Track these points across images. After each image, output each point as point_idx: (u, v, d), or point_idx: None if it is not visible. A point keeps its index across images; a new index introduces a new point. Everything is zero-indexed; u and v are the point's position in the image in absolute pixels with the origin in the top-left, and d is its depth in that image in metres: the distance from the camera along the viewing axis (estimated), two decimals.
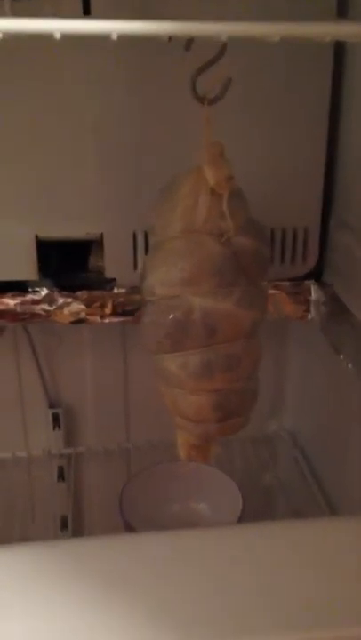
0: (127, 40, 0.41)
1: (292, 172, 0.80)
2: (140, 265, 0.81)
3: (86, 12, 0.69)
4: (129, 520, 0.82)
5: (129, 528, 0.82)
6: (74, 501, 1.01)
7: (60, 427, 1.03)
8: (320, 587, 0.44)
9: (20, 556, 0.46)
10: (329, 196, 0.82)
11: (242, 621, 0.42)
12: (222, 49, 0.56)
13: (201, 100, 0.59)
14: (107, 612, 0.42)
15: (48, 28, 0.42)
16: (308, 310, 0.85)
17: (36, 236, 0.79)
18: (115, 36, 0.39)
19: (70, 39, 0.45)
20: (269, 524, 0.51)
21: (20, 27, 0.42)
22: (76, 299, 0.82)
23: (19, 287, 0.82)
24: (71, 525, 1.04)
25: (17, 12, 0.51)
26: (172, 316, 0.63)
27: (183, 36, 0.45)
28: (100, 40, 0.43)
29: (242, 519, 0.81)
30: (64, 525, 1.06)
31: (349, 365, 0.74)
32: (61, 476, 1.05)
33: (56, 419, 1.03)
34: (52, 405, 1.03)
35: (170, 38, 0.45)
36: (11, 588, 0.43)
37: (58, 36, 0.40)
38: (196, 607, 0.43)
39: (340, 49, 0.76)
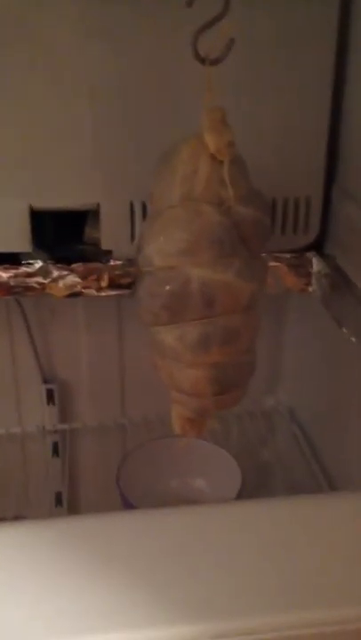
0: None
1: (294, 140, 0.77)
2: (137, 236, 0.78)
3: None
4: (126, 496, 0.81)
5: (126, 504, 0.81)
6: (69, 477, 1.00)
7: (54, 402, 1.02)
8: (318, 564, 0.43)
9: (14, 536, 0.45)
10: (332, 166, 0.79)
11: (241, 600, 0.41)
12: (226, 5, 0.53)
13: (202, 60, 0.56)
14: (106, 593, 0.41)
15: None
16: (309, 283, 0.83)
17: (30, 207, 0.76)
18: None
19: None
20: (269, 501, 0.50)
21: None
22: (71, 271, 0.80)
23: (11, 259, 0.79)
24: (66, 502, 1.03)
25: None
26: (168, 287, 0.60)
27: None
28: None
29: (240, 495, 0.80)
30: (59, 502, 1.05)
31: (352, 339, 0.72)
32: (56, 452, 1.04)
33: (50, 394, 1.02)
34: (46, 381, 1.01)
35: None
36: (5, 569, 0.42)
37: None
38: (196, 586, 0.42)
39: (345, 10, 0.73)
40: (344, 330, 0.74)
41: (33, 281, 0.80)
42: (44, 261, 0.80)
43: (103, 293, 0.82)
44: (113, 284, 0.81)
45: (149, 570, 0.43)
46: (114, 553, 0.44)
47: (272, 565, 0.43)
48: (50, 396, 1.01)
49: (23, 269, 0.80)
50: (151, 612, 0.40)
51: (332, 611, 0.41)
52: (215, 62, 0.57)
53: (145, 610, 0.40)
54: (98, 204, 0.78)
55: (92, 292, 0.81)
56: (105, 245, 0.80)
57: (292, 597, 0.41)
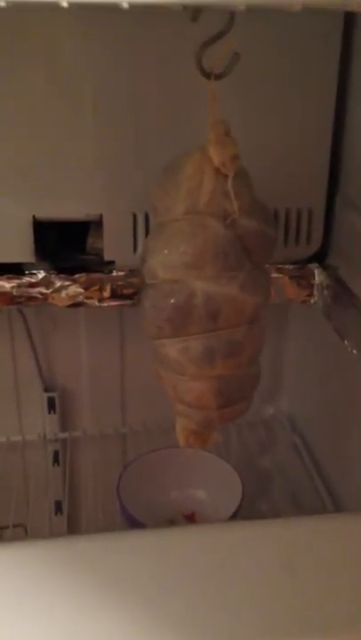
0: (138, 9, 0.38)
1: (297, 152, 0.77)
2: (139, 247, 0.78)
3: None
4: (126, 507, 0.81)
5: (126, 515, 0.81)
6: (69, 486, 1.00)
7: (55, 411, 1.02)
8: (324, 587, 0.43)
9: (17, 556, 0.45)
10: (335, 177, 0.80)
11: (245, 623, 0.41)
12: (230, 21, 0.53)
13: (207, 75, 0.56)
14: (105, 616, 0.41)
15: None
16: (311, 294, 0.83)
17: (34, 217, 0.76)
18: (125, 5, 0.36)
19: (72, 9, 0.42)
20: (274, 522, 0.50)
21: None
22: (73, 281, 0.80)
23: (14, 269, 0.80)
24: (66, 510, 1.03)
25: None
26: (173, 300, 0.61)
27: (201, 5, 0.42)
28: (108, 9, 0.40)
29: (241, 507, 0.80)
30: (59, 510, 1.05)
31: (354, 351, 0.72)
32: (56, 461, 1.04)
33: (51, 403, 1.02)
34: (47, 389, 1.01)
35: (184, 7, 0.42)
36: (8, 590, 0.42)
37: (65, 4, 0.37)
38: (198, 608, 0.42)
39: (349, 22, 0.73)
40: (346, 342, 0.74)
41: (35, 291, 0.80)
42: (46, 271, 0.80)
43: (105, 304, 0.82)
44: (115, 295, 0.81)
45: (153, 591, 0.42)
46: (117, 574, 0.44)
47: (277, 588, 0.43)
48: (51, 405, 1.01)
49: (26, 279, 0.80)
50: (154, 633, 0.40)
51: (339, 636, 0.41)
52: (220, 77, 0.57)
53: (147, 631, 0.40)
54: (101, 215, 0.78)
55: (95, 302, 0.81)
56: (107, 256, 0.80)
57: (298, 621, 0.41)
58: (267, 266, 0.67)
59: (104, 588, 0.42)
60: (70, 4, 0.37)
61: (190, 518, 0.88)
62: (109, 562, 0.45)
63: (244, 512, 0.82)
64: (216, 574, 0.44)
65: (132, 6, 0.37)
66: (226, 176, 0.59)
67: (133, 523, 0.80)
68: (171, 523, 0.87)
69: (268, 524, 0.49)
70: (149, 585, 0.43)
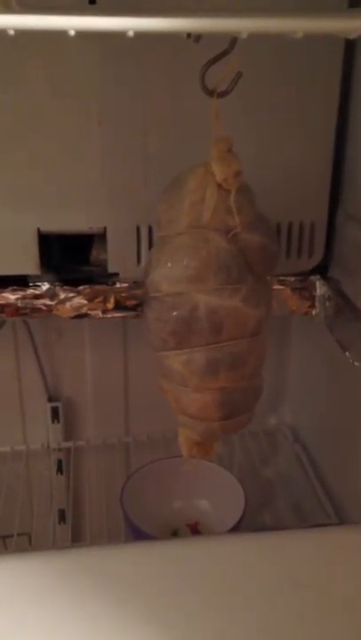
0: (143, 36, 0.40)
1: (299, 165, 0.78)
2: (143, 259, 0.79)
3: (92, 2, 0.67)
4: (130, 517, 0.81)
5: (130, 524, 0.82)
6: (73, 495, 1.00)
7: (59, 420, 1.03)
8: (330, 601, 0.43)
9: (21, 568, 0.45)
10: (337, 190, 0.81)
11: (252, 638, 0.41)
12: (233, 42, 0.54)
13: (210, 93, 0.57)
14: (108, 629, 0.41)
15: (62, 25, 0.40)
16: (313, 306, 0.84)
17: (38, 230, 0.77)
18: (131, 34, 0.37)
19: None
20: (276, 535, 0.50)
21: (32, 23, 0.40)
22: (78, 293, 0.81)
23: (19, 281, 0.80)
24: (70, 519, 1.03)
25: (23, 2, 0.50)
26: (176, 312, 0.61)
27: (204, 33, 0.43)
28: (114, 36, 0.41)
29: (244, 518, 0.80)
30: (62, 519, 1.06)
31: (356, 363, 0.73)
32: (60, 470, 1.05)
33: (55, 412, 1.02)
34: (51, 399, 1.02)
35: (189, 35, 0.43)
36: (9, 601, 0.42)
37: (72, 33, 0.38)
38: (197, 623, 0.42)
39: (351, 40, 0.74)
40: (347, 354, 0.75)
41: (40, 302, 0.81)
42: (51, 283, 0.81)
43: (109, 315, 0.82)
44: (119, 306, 0.82)
45: (156, 605, 0.43)
46: (121, 587, 0.44)
47: (282, 602, 0.43)
48: (55, 415, 1.02)
49: (30, 291, 0.81)
50: None
51: None
52: (223, 95, 0.58)
53: None
54: (105, 228, 0.79)
55: (98, 313, 0.82)
56: (112, 268, 0.81)
57: (302, 637, 0.42)
58: (269, 278, 0.68)
59: (107, 600, 0.43)
60: (77, 33, 0.37)
61: (194, 528, 0.88)
62: (113, 574, 0.45)
63: (247, 522, 0.82)
64: (220, 588, 0.44)
65: (137, 34, 0.38)
66: (228, 191, 0.60)
67: (137, 532, 0.80)
68: (174, 532, 0.87)
69: (272, 536, 0.49)
70: (153, 599, 0.43)
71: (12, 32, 0.40)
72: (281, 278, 0.83)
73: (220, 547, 0.48)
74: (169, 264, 0.61)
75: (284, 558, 0.46)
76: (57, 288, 0.81)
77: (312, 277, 0.84)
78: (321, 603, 0.43)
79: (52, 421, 1.02)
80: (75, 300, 0.81)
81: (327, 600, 0.43)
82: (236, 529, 0.80)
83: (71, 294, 0.81)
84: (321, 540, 0.48)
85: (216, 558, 0.46)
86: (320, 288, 0.83)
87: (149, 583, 0.44)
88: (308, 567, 0.45)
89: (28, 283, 0.81)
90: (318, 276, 0.83)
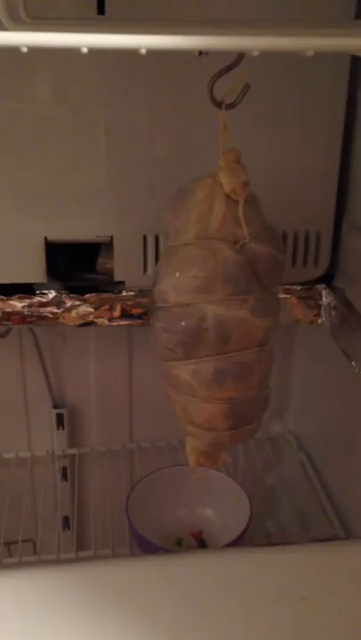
0: (155, 53, 0.40)
1: (305, 175, 0.79)
2: (149, 268, 0.80)
3: (100, 12, 0.67)
4: (135, 524, 0.81)
5: (135, 533, 0.82)
6: (77, 502, 1.00)
7: (63, 427, 1.03)
8: (336, 616, 0.43)
9: (27, 581, 0.45)
10: (342, 200, 0.81)
11: None
12: (241, 55, 0.55)
13: (219, 105, 0.58)
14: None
15: (75, 43, 0.40)
16: (318, 315, 0.84)
17: (45, 238, 0.78)
18: (143, 51, 0.38)
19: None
20: (283, 550, 0.49)
21: (45, 41, 0.41)
22: (84, 301, 0.81)
23: (26, 289, 0.81)
24: (75, 526, 1.03)
25: (31, 12, 0.50)
26: (184, 323, 0.62)
27: (217, 51, 0.43)
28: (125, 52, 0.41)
29: (249, 527, 0.80)
30: (67, 526, 1.06)
31: None
32: (65, 477, 1.05)
33: (60, 419, 1.02)
34: (56, 405, 1.02)
35: (200, 52, 0.43)
36: (12, 615, 0.42)
37: (85, 50, 0.39)
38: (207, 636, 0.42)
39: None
40: (353, 363, 0.75)
41: (46, 310, 0.81)
42: (57, 291, 0.81)
43: (115, 323, 0.83)
44: (125, 314, 0.82)
45: (161, 620, 0.42)
46: (126, 601, 0.44)
47: (289, 618, 0.43)
48: (60, 421, 1.02)
49: (37, 299, 0.81)
50: None
51: None
52: (231, 106, 0.59)
53: None
54: (111, 237, 0.79)
55: (105, 321, 0.83)
56: (118, 277, 0.81)
57: None
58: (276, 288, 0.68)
59: (112, 616, 0.43)
60: (90, 50, 0.38)
61: (198, 537, 0.89)
62: (118, 588, 0.45)
63: (251, 531, 0.82)
64: (225, 604, 0.44)
65: (149, 52, 0.38)
66: (236, 202, 0.61)
67: (142, 541, 0.80)
68: (178, 541, 0.87)
69: (278, 551, 0.49)
70: (157, 614, 0.43)
71: (25, 49, 0.40)
72: (287, 287, 0.83)
73: (225, 562, 0.48)
74: (177, 274, 0.62)
75: (290, 573, 0.46)
76: (63, 296, 0.81)
77: (318, 286, 0.84)
78: (327, 619, 0.43)
79: (57, 428, 1.03)
80: (81, 308, 0.82)
81: (333, 616, 0.43)
82: (240, 538, 0.80)
83: (77, 302, 0.81)
84: (328, 555, 0.48)
85: (221, 574, 0.46)
86: (326, 297, 0.83)
87: (154, 599, 0.44)
88: (315, 583, 0.45)
89: (35, 291, 0.81)
90: (324, 285, 0.84)
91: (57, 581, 0.45)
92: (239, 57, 0.55)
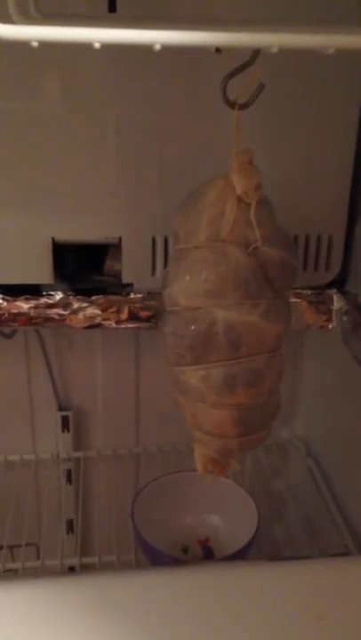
0: (170, 50, 0.38)
1: (318, 177, 0.77)
2: (158, 270, 0.78)
3: (111, 10, 0.66)
4: (140, 531, 0.80)
5: (140, 539, 0.80)
6: (82, 505, 0.99)
7: (69, 430, 1.02)
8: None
9: (29, 594, 0.44)
10: (355, 203, 0.79)
11: None
12: (255, 54, 0.53)
13: (232, 105, 0.56)
14: None
15: (87, 38, 0.39)
16: (329, 320, 0.83)
17: (53, 239, 0.76)
18: (158, 47, 0.36)
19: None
20: (294, 564, 0.48)
21: (57, 36, 0.39)
22: (91, 303, 0.80)
23: (32, 290, 0.80)
24: (79, 530, 1.02)
25: (42, 9, 0.49)
26: (194, 327, 0.60)
27: (236, 47, 0.42)
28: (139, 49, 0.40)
29: (256, 536, 0.79)
30: (71, 529, 1.05)
31: None
32: (69, 480, 1.04)
33: (65, 421, 1.01)
34: (61, 408, 1.01)
35: (217, 49, 0.42)
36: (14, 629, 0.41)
37: (97, 46, 0.37)
38: None
39: None
40: None
41: (53, 312, 0.80)
42: (64, 293, 0.80)
43: (122, 326, 0.82)
44: (132, 317, 0.81)
45: (169, 636, 0.41)
46: (132, 616, 0.42)
47: (298, 636, 0.41)
48: (65, 424, 1.01)
49: (44, 300, 0.80)
50: None
51: None
52: (244, 107, 0.57)
53: None
54: (120, 238, 0.78)
55: (112, 324, 0.81)
56: (126, 279, 0.80)
57: None
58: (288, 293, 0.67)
59: (115, 631, 0.41)
60: (103, 45, 0.36)
61: (204, 544, 0.87)
62: (120, 602, 0.44)
63: (258, 538, 0.81)
64: (233, 619, 0.42)
65: (164, 47, 0.37)
66: (248, 204, 0.59)
67: (147, 549, 0.79)
68: (184, 548, 0.86)
69: (289, 566, 0.48)
70: (163, 630, 0.42)
71: (35, 44, 0.39)
72: (297, 291, 0.82)
73: (234, 576, 0.46)
74: (187, 278, 0.61)
75: (302, 590, 0.45)
76: (70, 298, 0.80)
77: (329, 291, 0.83)
78: (340, 638, 0.42)
79: (62, 431, 1.02)
80: (88, 310, 0.81)
81: (346, 635, 0.42)
82: (248, 546, 0.78)
83: (84, 304, 0.80)
84: (341, 571, 0.46)
85: (228, 590, 0.45)
86: (337, 302, 0.82)
87: (160, 613, 0.43)
88: (328, 600, 0.44)
89: (42, 292, 0.80)
90: (335, 290, 0.82)
91: (58, 596, 0.44)
92: (253, 56, 0.54)
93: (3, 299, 0.79)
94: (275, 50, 0.38)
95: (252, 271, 0.60)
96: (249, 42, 0.39)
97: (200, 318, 0.60)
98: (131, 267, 0.79)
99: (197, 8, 0.70)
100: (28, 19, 0.45)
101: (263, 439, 0.65)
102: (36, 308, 0.80)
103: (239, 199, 0.59)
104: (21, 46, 0.44)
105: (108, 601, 0.44)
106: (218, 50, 0.52)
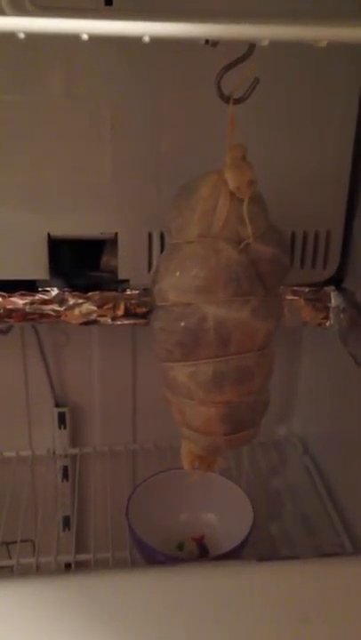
0: (159, 41, 0.38)
1: (316, 174, 0.77)
2: (154, 266, 0.78)
3: (108, 3, 0.66)
4: (135, 528, 0.80)
5: (135, 537, 0.80)
6: (78, 502, 0.99)
7: (65, 426, 1.02)
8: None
9: (20, 593, 0.44)
10: (353, 201, 0.79)
11: None
12: (251, 48, 0.53)
13: (226, 99, 0.56)
14: None
15: (74, 29, 0.38)
16: (326, 317, 0.82)
17: (48, 235, 0.76)
18: (147, 39, 0.36)
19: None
20: (287, 564, 0.47)
21: (43, 27, 0.39)
22: (87, 299, 0.80)
23: (28, 286, 0.79)
24: (75, 526, 1.02)
25: (38, 2, 0.48)
26: (183, 323, 0.60)
27: (224, 40, 0.41)
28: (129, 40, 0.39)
29: (252, 533, 0.79)
30: (67, 526, 1.05)
31: None
32: (66, 477, 1.04)
33: (62, 418, 1.01)
34: (58, 404, 1.01)
35: (207, 41, 0.41)
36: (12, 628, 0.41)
37: (85, 37, 0.37)
38: None
39: None
40: None
41: (49, 308, 0.80)
42: (60, 289, 0.80)
43: (118, 322, 0.81)
44: (129, 313, 0.81)
45: (162, 635, 0.41)
46: (126, 616, 0.42)
47: (288, 637, 0.41)
48: (61, 420, 1.01)
49: (39, 296, 0.80)
50: None
51: None
52: (239, 101, 0.57)
53: None
54: (116, 234, 0.77)
55: (108, 320, 0.81)
56: (122, 275, 0.79)
57: None
58: (282, 288, 0.66)
59: (109, 630, 0.41)
60: (90, 37, 0.36)
61: (200, 541, 0.87)
62: (116, 602, 0.43)
63: (254, 536, 0.80)
64: (225, 618, 0.42)
65: (152, 40, 0.36)
66: (241, 200, 0.59)
67: (142, 546, 0.79)
68: (179, 545, 0.86)
69: (282, 566, 0.47)
70: (156, 629, 0.41)
71: (22, 35, 0.38)
72: (295, 289, 0.81)
73: (222, 576, 0.46)
74: (177, 273, 0.60)
75: (293, 590, 0.44)
76: (66, 294, 0.80)
77: (326, 288, 0.82)
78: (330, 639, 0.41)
79: (59, 427, 1.01)
80: (84, 307, 0.80)
81: (337, 637, 0.41)
82: (243, 544, 0.78)
83: (80, 300, 0.80)
84: (334, 571, 0.46)
85: (223, 587, 0.44)
86: (335, 299, 0.81)
87: (154, 612, 0.42)
88: (319, 600, 0.43)
89: (37, 288, 0.80)
90: (333, 287, 0.82)
91: (50, 595, 0.44)
92: (249, 50, 0.53)
93: None
94: (265, 42, 0.38)
95: (243, 268, 0.59)
96: (238, 34, 0.39)
97: (190, 314, 0.59)
98: (127, 262, 0.79)
99: (195, 1, 0.69)
100: (20, 11, 0.45)
101: (251, 437, 0.65)
102: (31, 303, 0.80)
103: (232, 195, 0.59)
104: (18, 40, 0.43)
105: (99, 600, 0.44)
106: (212, 43, 0.52)
